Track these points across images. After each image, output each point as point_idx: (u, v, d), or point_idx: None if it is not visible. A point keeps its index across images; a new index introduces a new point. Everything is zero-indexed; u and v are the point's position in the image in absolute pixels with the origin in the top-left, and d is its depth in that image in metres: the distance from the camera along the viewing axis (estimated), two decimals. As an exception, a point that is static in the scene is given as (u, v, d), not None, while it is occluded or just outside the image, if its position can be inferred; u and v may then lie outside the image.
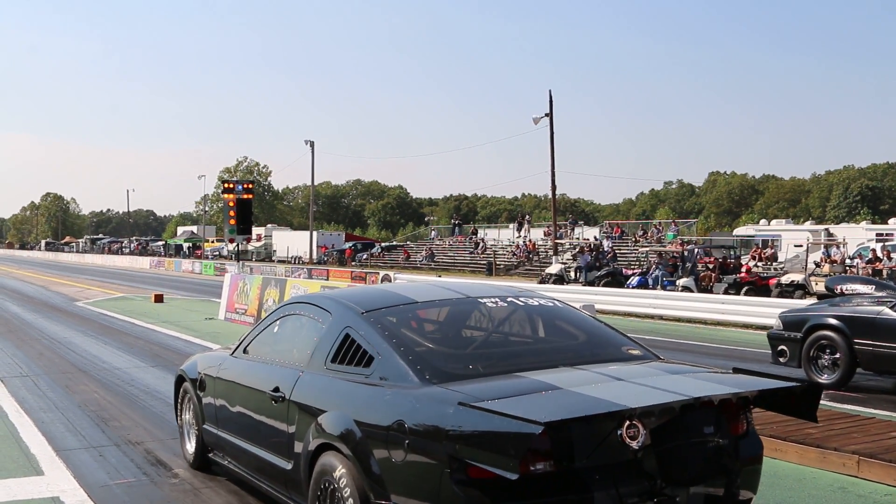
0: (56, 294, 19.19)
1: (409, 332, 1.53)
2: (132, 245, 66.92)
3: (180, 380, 3.09)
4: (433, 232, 39.06)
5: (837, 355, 3.57)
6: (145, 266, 42.16)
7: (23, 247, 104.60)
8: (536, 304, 1.80)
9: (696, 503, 1.04)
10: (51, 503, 3.45)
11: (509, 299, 1.86)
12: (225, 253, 49.27)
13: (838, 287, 6.18)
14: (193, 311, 15.04)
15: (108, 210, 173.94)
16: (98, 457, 4.26)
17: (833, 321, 4.12)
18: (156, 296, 17.39)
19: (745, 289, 14.69)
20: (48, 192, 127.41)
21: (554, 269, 20.22)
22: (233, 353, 2.46)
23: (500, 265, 26.46)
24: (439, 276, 21.54)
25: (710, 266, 15.79)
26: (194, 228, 69.26)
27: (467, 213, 75.73)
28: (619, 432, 1.04)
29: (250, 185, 16.62)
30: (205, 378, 2.58)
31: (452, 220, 39.79)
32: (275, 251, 48.49)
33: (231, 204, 16.29)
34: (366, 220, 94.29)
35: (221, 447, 2.39)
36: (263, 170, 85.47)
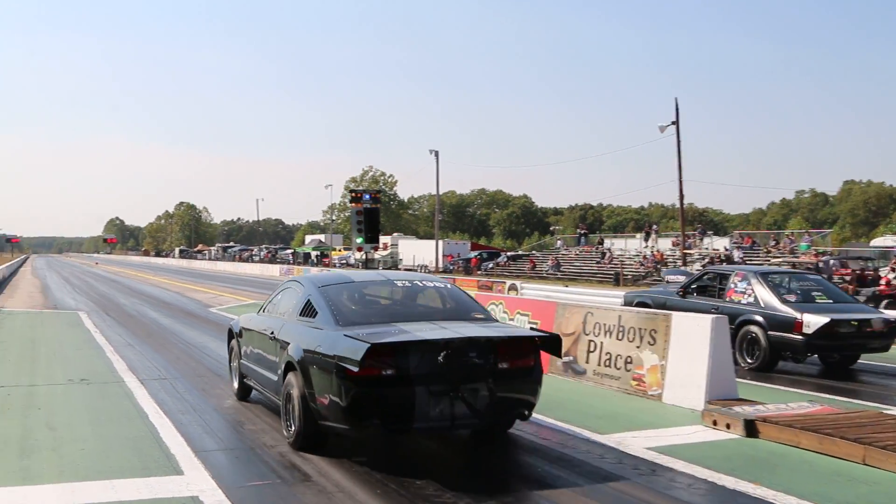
0: (191, 300, 20.15)
1: (340, 298, 2.64)
2: (262, 253, 69.42)
3: (230, 334, 4.51)
4: (559, 241, 39.29)
5: None
6: (275, 273, 44.01)
7: (158, 254, 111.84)
8: (431, 285, 2.90)
9: (473, 395, 1.85)
10: (191, 502, 3.58)
11: (413, 282, 2.98)
12: (352, 261, 49.38)
13: (667, 277, 9.16)
14: None
15: (239, 219, 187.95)
16: (234, 458, 4.31)
17: (646, 299, 7.50)
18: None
19: (884, 302, 13.95)
20: (182, 202, 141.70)
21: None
22: (257, 312, 3.85)
23: (627, 275, 26.57)
24: (566, 286, 22.50)
25: (847, 278, 15.48)
26: (322, 237, 71.65)
27: (593, 222, 77.05)
28: (438, 354, 1.86)
29: (377, 195, 16.95)
30: (242, 330, 4.17)
31: (578, 230, 40.24)
32: (401, 260, 48.99)
33: (358, 213, 16.62)
34: (490, 229, 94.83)
35: (247, 374, 3.82)
36: (389, 179, 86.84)
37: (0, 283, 28.85)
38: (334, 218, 77.68)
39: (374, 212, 15.99)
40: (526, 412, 2.89)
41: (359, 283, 3.66)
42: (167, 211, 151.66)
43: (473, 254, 41.38)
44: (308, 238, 77.16)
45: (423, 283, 3.63)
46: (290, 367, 3.18)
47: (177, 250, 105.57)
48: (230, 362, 5.39)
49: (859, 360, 6.96)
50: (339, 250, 60.09)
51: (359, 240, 15.95)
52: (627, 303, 8.65)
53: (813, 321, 5.91)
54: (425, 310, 3.24)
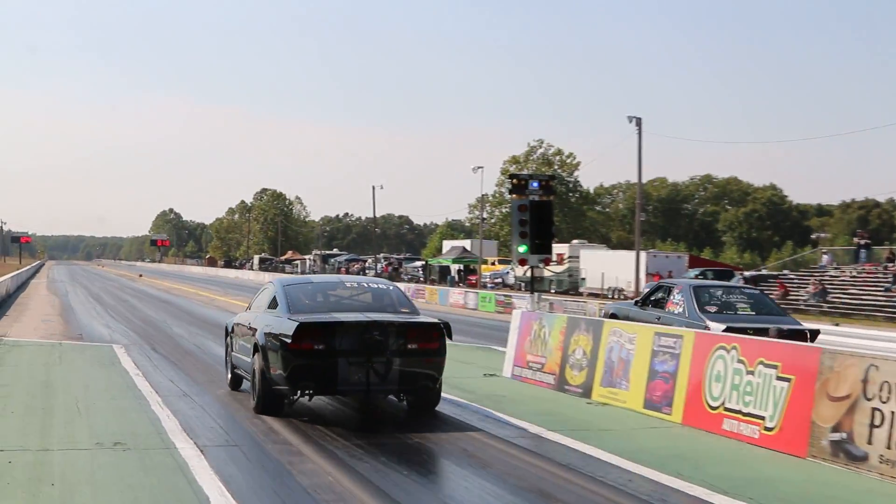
0: None
1: (297, 294, 7.32)
2: (379, 265, 72.90)
3: (226, 332, 9.53)
4: (825, 256, 39.62)
5: None
6: None
7: (229, 264, 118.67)
8: (374, 286, 7.75)
9: (384, 367, 6.35)
10: None
11: (360, 283, 8.01)
12: (511, 280, 51.70)
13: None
14: (468, 364, 16.00)
15: (346, 215, 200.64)
16: None
17: (614, 311, 13.60)
18: None
19: None
20: (264, 189, 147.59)
21: None
22: (245, 310, 8.74)
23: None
24: (836, 324, 24.15)
25: None
26: (467, 244, 72.54)
27: (878, 227, 74.99)
28: (358, 334, 6.52)
29: (550, 183, 15.96)
30: (233, 326, 8.83)
31: (856, 239, 40.36)
32: (583, 279, 48.82)
33: (521, 209, 15.67)
34: (719, 235, 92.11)
35: (236, 364, 8.49)
36: (567, 160, 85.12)
37: (1, 303, 32.24)
38: (485, 216, 77.64)
39: (544, 207, 15.24)
40: (430, 384, 7.15)
41: (316, 284, 8.85)
42: (243, 202, 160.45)
43: (692, 272, 41.40)
44: (447, 245, 77.68)
45: (368, 284, 8.59)
46: (255, 348, 7.75)
47: (256, 259, 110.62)
48: (225, 356, 10.66)
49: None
50: (493, 263, 61.58)
51: (521, 248, 15.35)
52: (608, 314, 14.37)
53: (714, 328, 10.37)
54: (362, 304, 7.81)
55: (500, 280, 56.05)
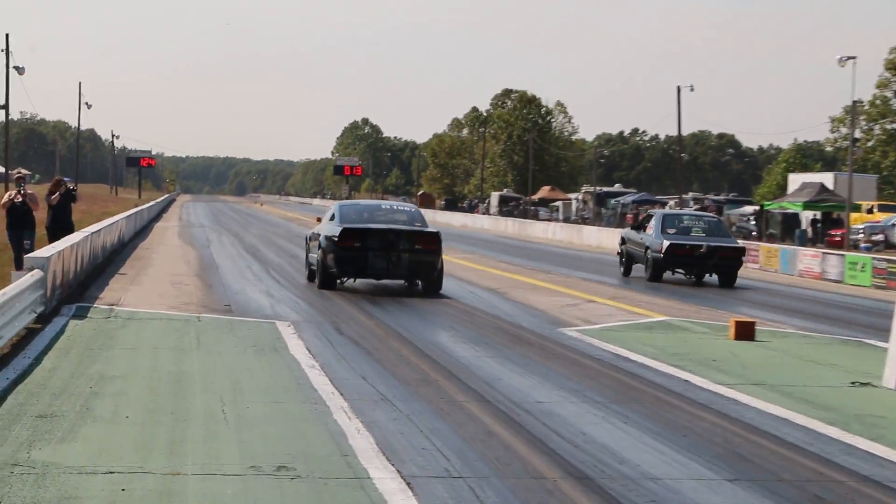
0: (518, 307, 24.85)
1: (347, 210, 27.31)
2: (688, 210, 74.70)
3: (306, 240, 29.20)
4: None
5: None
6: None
7: (452, 204, 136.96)
8: (401, 208, 29.90)
9: (403, 261, 24.54)
10: None
11: (392, 205, 30.82)
12: None
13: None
14: (825, 366, 16.78)
15: (635, 133, 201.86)
16: None
17: (622, 235, 39.51)
18: (738, 324, 19.53)
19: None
20: (507, 90, 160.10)
21: None
22: (318, 222, 29.18)
23: None
24: None
25: None
26: (827, 178, 72.92)
27: None
28: (382, 237, 24.84)
29: None
30: (309, 235, 28.08)
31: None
32: None
33: None
34: None
35: (311, 262, 27.35)
36: None
37: (111, 255, 35.22)
38: (858, 136, 74.12)
39: None
40: (430, 272, 25.49)
41: (361, 205, 30.23)
42: (475, 111, 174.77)
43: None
44: (795, 180, 77.91)
45: (396, 206, 30.22)
46: (318, 246, 25.71)
47: (494, 197, 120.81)
48: (306, 258, 28.51)
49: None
50: (869, 210, 64.42)
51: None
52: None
53: (665, 244, 32.07)
54: (390, 219, 26.52)
55: (880, 237, 57.59)
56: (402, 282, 26.89)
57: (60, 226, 27.67)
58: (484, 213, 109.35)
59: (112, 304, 20.92)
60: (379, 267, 25.25)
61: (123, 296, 22.93)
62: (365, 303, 23.68)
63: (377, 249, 25.11)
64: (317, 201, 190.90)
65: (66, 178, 33.61)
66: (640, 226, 36.02)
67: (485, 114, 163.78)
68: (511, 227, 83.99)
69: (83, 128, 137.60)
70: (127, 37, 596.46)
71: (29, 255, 20.08)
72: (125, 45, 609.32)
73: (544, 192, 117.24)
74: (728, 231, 39.58)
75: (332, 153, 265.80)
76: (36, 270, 18.14)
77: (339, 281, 25.94)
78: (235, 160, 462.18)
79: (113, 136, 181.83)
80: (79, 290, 23.52)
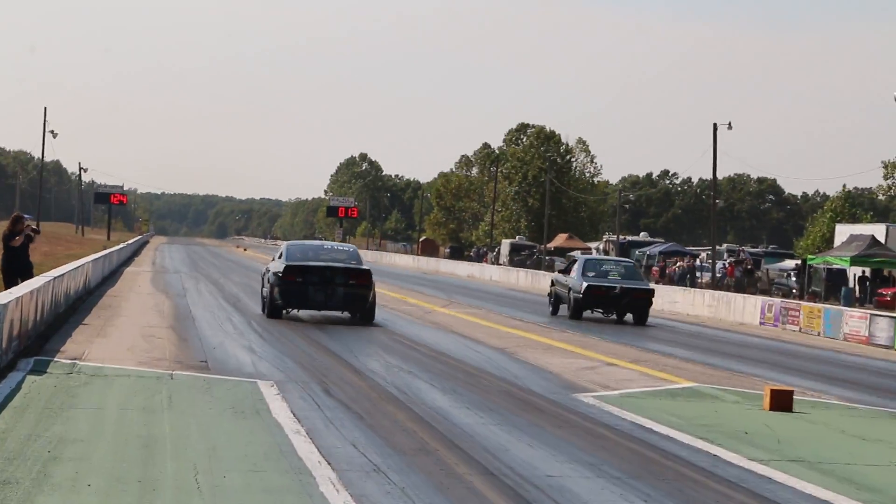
0: (528, 368, 24.86)
1: (293, 249, 36.59)
2: (721, 264, 75.26)
3: (262, 275, 38.27)
4: None
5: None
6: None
7: (458, 252, 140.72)
8: (339, 248, 39.23)
9: (338, 294, 32.82)
10: None
11: (333, 245, 40.77)
12: None
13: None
14: (871, 442, 16.93)
15: (665, 175, 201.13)
16: None
17: (553, 278, 51.72)
18: (773, 393, 19.68)
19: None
20: (523, 125, 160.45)
21: None
22: (271, 261, 37.56)
23: None
24: None
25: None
26: (878, 230, 72.93)
27: None
28: (320, 272, 33.32)
29: None
30: (264, 271, 36.71)
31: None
32: None
33: None
34: None
35: (263, 296, 36.02)
36: None
37: (75, 303, 35.27)
38: None
39: None
40: (364, 304, 33.55)
41: (307, 244, 39.70)
42: (486, 147, 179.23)
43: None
44: (842, 231, 77.29)
45: (338, 246, 39.16)
46: (267, 281, 34.44)
47: (504, 245, 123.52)
48: (261, 290, 37.06)
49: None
50: None
51: None
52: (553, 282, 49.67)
53: (583, 286, 42.00)
54: (330, 257, 35.00)
55: None
56: (367, 329, 32.11)
57: (17, 268, 27.71)
58: (493, 263, 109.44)
59: (75, 359, 20.89)
60: (318, 299, 33.09)
61: (88, 349, 22.91)
62: (356, 360, 23.76)
63: (316, 284, 32.81)
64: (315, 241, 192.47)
65: (26, 216, 33.70)
66: (566, 270, 46.84)
67: (497, 151, 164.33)
68: (523, 278, 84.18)
69: (48, 159, 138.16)
70: (98, 60, 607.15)
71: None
72: (96, 68, 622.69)
73: (561, 240, 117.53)
74: (641, 275, 49.15)
75: (326, 193, 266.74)
76: (-10, 319, 18.11)
77: (284, 311, 33.80)
78: (217, 199, 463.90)
79: (80, 168, 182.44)
80: (38, 341, 23.49)
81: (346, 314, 34.41)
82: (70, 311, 32.17)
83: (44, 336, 24.68)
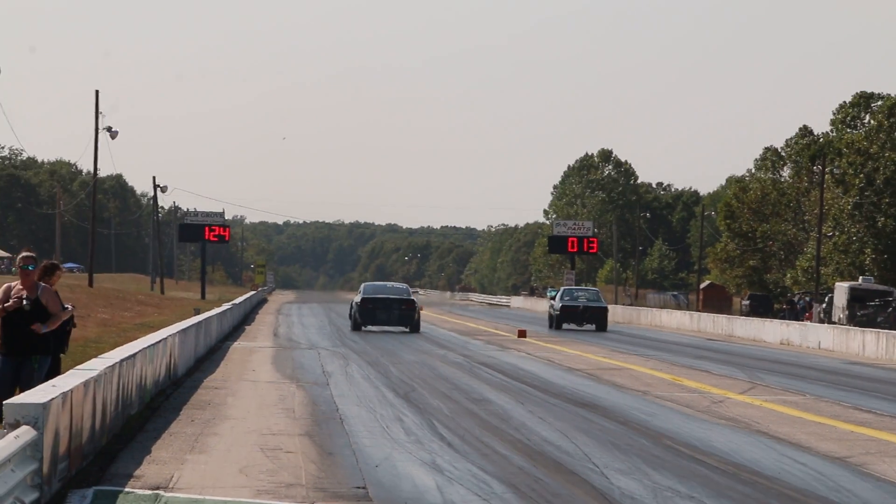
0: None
1: (368, 287, 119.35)
2: None
3: (350, 305, 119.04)
4: None
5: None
6: None
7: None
8: (396, 286, 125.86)
9: (393, 314, 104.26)
10: None
11: (393, 285, 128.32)
12: None
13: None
14: None
15: None
16: None
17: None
18: None
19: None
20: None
21: None
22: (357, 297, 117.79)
23: None
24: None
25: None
26: None
27: None
28: (384, 301, 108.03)
29: None
30: (351, 304, 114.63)
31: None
32: None
33: None
34: None
35: (350, 318, 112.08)
36: None
37: (154, 399, 36.20)
38: None
39: None
40: (411, 321, 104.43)
41: (377, 285, 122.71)
42: (806, 131, 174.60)
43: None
44: None
45: (395, 286, 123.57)
46: (352, 307, 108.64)
47: (840, 292, 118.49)
48: (349, 315, 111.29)
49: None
50: None
51: None
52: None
53: (559, 306, 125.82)
54: (391, 291, 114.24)
55: None
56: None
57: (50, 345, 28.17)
58: (822, 320, 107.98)
59: (158, 488, 21.25)
60: (382, 319, 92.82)
61: (178, 472, 23.34)
62: (602, 478, 23.86)
63: (381, 309, 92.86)
64: (518, 301, 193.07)
65: (67, 266, 34.08)
66: (555, 297, 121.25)
67: (823, 139, 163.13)
68: (872, 345, 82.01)
69: (103, 173, 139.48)
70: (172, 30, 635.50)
71: (11, 401, 20.31)
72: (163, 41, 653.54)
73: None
74: (601, 298, 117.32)
75: (546, 214, 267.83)
76: (24, 427, 18.39)
77: (363, 327, 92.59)
78: (371, 229, 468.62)
79: (156, 186, 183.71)
80: (99, 461, 23.90)
81: (402, 329, 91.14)
82: (148, 413, 32.76)
83: (108, 453, 25.12)
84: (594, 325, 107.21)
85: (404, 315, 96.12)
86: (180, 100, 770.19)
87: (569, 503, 21.20)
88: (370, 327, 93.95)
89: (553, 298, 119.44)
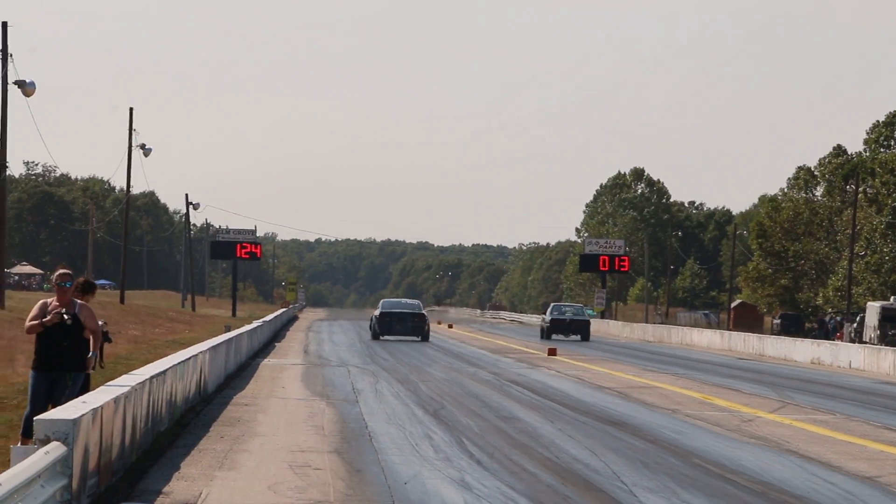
0: None
1: (385, 303, 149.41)
2: None
3: (370, 318, 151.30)
4: None
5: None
6: None
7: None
8: (409, 301, 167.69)
9: (407, 324, 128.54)
10: None
11: (406, 301, 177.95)
12: None
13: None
14: None
15: None
16: None
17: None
18: None
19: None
20: None
21: None
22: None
23: None
24: None
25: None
26: None
27: None
28: (399, 313, 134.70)
29: None
30: (371, 318, 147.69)
31: None
32: None
33: None
34: None
35: (370, 329, 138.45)
36: None
37: (185, 415, 36.10)
38: None
39: None
40: (422, 331, 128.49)
41: (393, 301, 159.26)
42: (839, 150, 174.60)
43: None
44: None
45: (409, 301, 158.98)
46: (372, 319, 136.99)
47: (872, 311, 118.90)
48: (369, 326, 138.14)
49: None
50: None
51: None
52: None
53: (549, 319, 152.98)
54: (405, 306, 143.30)
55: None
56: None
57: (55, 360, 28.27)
58: (853, 340, 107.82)
59: (187, 503, 21.22)
60: (398, 329, 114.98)
61: (207, 489, 23.41)
62: (632, 498, 23.93)
63: (397, 321, 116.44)
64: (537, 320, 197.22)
65: (101, 282, 34.12)
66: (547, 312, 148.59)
67: (856, 158, 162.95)
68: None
69: (136, 190, 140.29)
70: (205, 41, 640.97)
71: (42, 416, 20.34)
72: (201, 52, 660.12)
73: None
74: (584, 312, 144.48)
75: (578, 232, 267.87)
76: (54, 443, 18.44)
77: (381, 337, 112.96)
78: (402, 247, 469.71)
79: (188, 203, 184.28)
80: (129, 478, 23.98)
81: (413, 338, 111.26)
82: (178, 429, 32.87)
83: (137, 469, 25.23)
84: (579, 336, 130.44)
85: (416, 326, 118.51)
86: (214, 117, 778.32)
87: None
88: (387, 337, 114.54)
89: (546, 311, 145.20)
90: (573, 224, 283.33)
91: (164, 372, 32.25)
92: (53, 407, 23.78)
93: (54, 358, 26.23)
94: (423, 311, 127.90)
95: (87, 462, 20.17)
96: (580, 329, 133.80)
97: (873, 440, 36.72)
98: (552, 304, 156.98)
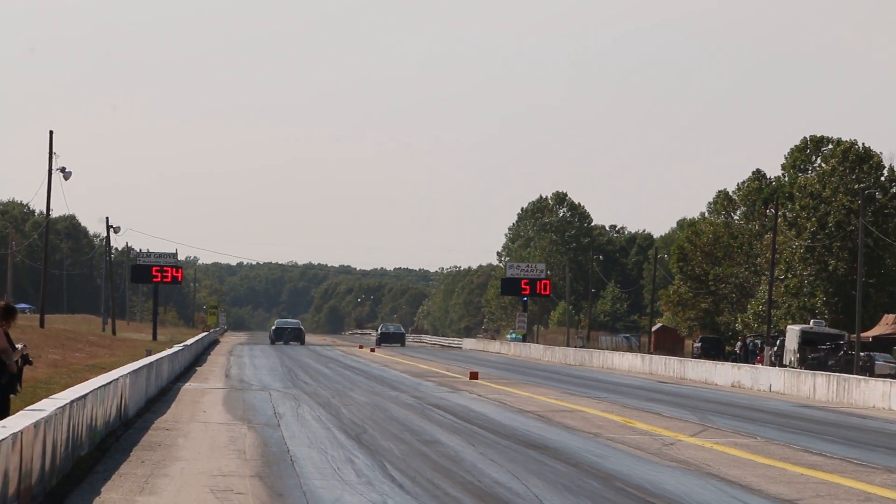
0: None
1: (278, 322, 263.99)
2: None
3: (269, 332, 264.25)
4: None
5: None
6: None
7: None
8: (293, 319, 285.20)
9: (291, 336, 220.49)
10: None
11: (288, 319, 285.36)
12: None
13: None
14: None
15: None
16: None
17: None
18: None
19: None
20: None
21: None
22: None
23: None
24: None
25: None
26: None
27: None
28: (286, 328, 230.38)
29: None
30: (271, 329, 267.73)
31: None
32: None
33: None
34: None
35: (269, 337, 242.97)
36: None
37: (105, 440, 35.90)
38: None
39: None
40: (301, 340, 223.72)
41: (283, 320, 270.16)
42: (758, 175, 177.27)
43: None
44: None
45: (292, 320, 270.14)
46: (270, 332, 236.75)
47: (792, 335, 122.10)
48: (269, 336, 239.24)
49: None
50: None
51: None
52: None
53: (379, 332, 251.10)
54: (291, 324, 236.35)
55: None
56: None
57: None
58: (773, 364, 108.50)
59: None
60: (286, 337, 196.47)
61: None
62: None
63: (284, 331, 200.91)
64: (470, 343, 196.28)
65: (20, 306, 34.09)
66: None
67: (775, 182, 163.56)
68: (823, 388, 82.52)
69: (56, 213, 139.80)
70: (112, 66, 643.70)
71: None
72: (113, 80, 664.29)
73: (886, 324, 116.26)
74: (401, 328, 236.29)
75: (499, 257, 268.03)
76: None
77: (274, 343, 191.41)
78: (324, 270, 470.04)
79: (109, 227, 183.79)
80: (49, 502, 23.84)
81: (295, 343, 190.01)
82: (98, 454, 32.78)
83: (58, 494, 25.17)
84: (399, 344, 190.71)
85: (298, 336, 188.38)
86: (134, 140, 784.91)
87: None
88: (279, 343, 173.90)
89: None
90: (495, 248, 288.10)
91: (84, 396, 32.13)
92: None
93: None
94: (301, 328, 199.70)
95: (7, 487, 20.06)
96: (399, 339, 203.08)
97: (794, 463, 36.88)
98: (382, 324, 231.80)
